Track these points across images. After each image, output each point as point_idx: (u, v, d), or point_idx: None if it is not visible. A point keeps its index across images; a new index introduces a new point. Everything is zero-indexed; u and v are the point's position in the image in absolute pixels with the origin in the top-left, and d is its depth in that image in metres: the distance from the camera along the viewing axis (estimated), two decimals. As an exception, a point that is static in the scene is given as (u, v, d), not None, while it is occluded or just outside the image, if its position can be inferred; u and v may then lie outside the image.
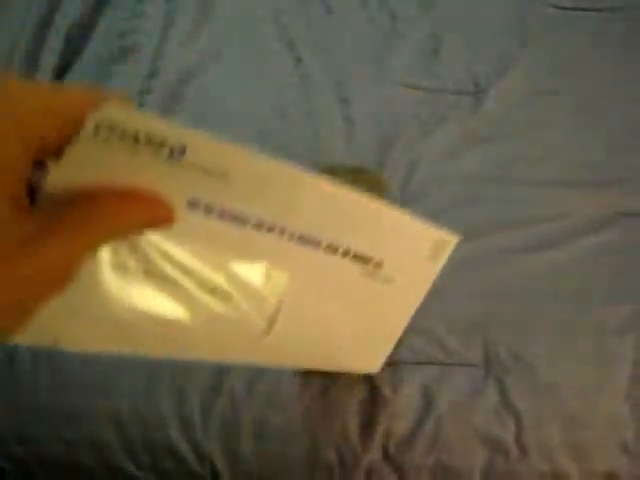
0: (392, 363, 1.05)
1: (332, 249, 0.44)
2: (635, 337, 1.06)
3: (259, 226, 0.39)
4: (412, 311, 0.53)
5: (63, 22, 1.41)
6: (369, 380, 1.04)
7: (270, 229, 0.40)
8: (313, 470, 1.01)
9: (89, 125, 0.30)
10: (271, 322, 0.44)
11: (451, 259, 1.14)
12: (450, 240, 0.49)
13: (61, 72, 1.39)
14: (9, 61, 1.33)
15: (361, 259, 0.46)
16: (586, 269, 1.13)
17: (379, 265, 0.47)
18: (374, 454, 1.00)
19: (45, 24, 1.39)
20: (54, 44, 1.39)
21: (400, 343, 1.05)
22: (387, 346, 0.55)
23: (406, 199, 1.19)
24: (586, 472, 0.98)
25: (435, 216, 1.16)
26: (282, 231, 0.41)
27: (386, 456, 1.00)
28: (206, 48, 1.42)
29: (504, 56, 1.46)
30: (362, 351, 0.54)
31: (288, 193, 0.39)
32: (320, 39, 1.47)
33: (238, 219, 0.39)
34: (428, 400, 1.03)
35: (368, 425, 1.01)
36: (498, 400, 1.02)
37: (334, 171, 0.81)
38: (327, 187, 0.40)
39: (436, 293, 1.09)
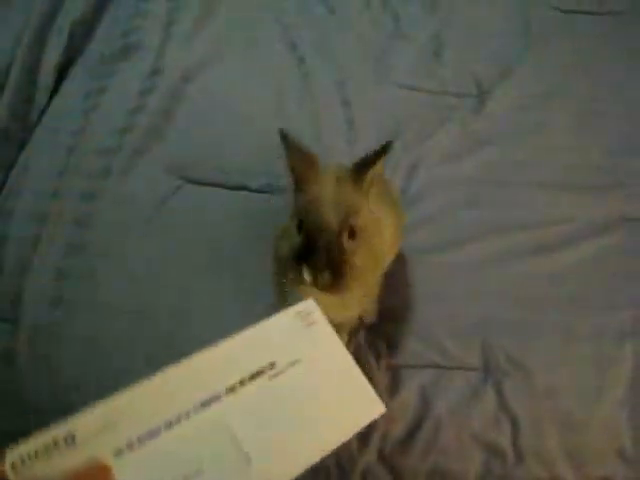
0: (391, 367, 1.05)
1: (231, 389, 0.59)
2: (634, 343, 1.05)
3: (169, 424, 0.55)
4: (349, 358, 0.64)
5: (66, 20, 1.41)
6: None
7: (177, 419, 0.56)
8: (310, 473, 1.00)
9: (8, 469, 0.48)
10: (247, 459, 0.56)
11: (451, 263, 1.14)
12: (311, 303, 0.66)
13: (64, 69, 1.38)
14: (11, 59, 1.32)
15: (257, 374, 0.60)
16: (586, 274, 1.12)
17: (273, 365, 0.61)
18: (370, 456, 0.99)
19: (48, 22, 1.38)
20: (57, 42, 1.38)
21: (399, 347, 1.06)
22: (365, 389, 0.64)
23: (407, 201, 1.18)
24: (583, 478, 0.97)
25: (435, 219, 1.16)
26: (187, 414, 0.56)
27: (382, 459, 1.00)
28: (208, 47, 1.42)
29: (507, 58, 1.45)
30: (351, 409, 0.62)
31: (162, 395, 0.57)
32: (322, 40, 1.46)
33: (153, 433, 0.54)
34: (426, 403, 1.02)
35: (367, 427, 1.00)
36: (496, 404, 1.01)
37: (340, 170, 0.80)
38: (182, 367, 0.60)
39: (435, 297, 1.11)
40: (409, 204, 1.19)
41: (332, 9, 1.53)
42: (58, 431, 0.52)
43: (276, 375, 0.61)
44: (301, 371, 0.61)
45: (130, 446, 0.54)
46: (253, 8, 1.51)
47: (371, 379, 1.02)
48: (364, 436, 1.00)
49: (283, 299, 0.81)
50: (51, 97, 1.35)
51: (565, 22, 1.52)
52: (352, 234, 0.75)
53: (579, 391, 1.02)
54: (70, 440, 0.53)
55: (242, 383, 0.59)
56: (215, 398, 0.58)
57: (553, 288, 1.11)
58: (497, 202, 1.22)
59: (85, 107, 1.33)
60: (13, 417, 1.03)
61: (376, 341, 1.07)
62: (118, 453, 0.53)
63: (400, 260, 1.11)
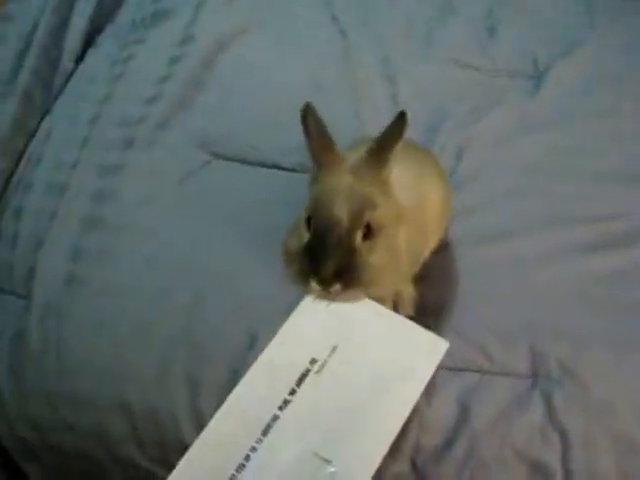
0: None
1: (284, 403, 0.60)
2: None
3: (242, 467, 0.57)
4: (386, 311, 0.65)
5: (95, -16, 1.32)
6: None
7: (247, 457, 0.58)
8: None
9: None
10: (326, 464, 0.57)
11: (501, 256, 1.01)
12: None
13: (92, 37, 1.29)
14: (37, 21, 1.24)
15: (302, 377, 0.61)
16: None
17: (313, 361, 0.62)
18: (401, 466, 0.89)
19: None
20: (85, 6, 1.29)
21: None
22: (418, 333, 0.67)
23: (453, 186, 1.06)
24: (641, 504, 0.85)
25: (483, 207, 1.04)
26: (253, 448, 0.59)
27: (414, 469, 0.89)
28: (245, 16, 1.31)
29: (569, 38, 1.31)
30: (413, 360, 0.64)
31: (219, 448, 0.60)
32: (366, 13, 1.34)
33: None
34: (464, 412, 0.90)
35: (397, 436, 0.90)
36: (544, 416, 0.89)
37: (360, 154, 0.70)
38: None
39: (479, 294, 0.99)
40: (454, 189, 1.06)
41: (378, -20, 1.41)
42: None
43: (321, 368, 0.60)
44: (344, 352, 0.60)
45: None
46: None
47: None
48: (395, 444, 0.89)
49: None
50: (77, 63, 1.26)
51: (631, 3, 1.37)
52: (369, 232, 0.65)
53: (637, 405, 0.89)
54: None
55: (292, 393, 0.59)
56: (274, 419, 0.57)
57: (614, 290, 0.97)
58: (553, 192, 1.09)
59: (111, 75, 1.24)
60: (21, 399, 0.96)
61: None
62: None
63: (442, 250, 0.99)
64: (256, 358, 0.62)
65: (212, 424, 0.61)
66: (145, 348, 0.94)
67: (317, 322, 0.63)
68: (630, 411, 0.89)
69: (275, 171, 1.13)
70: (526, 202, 1.08)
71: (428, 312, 0.98)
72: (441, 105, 1.20)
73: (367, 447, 0.57)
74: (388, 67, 1.25)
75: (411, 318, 0.96)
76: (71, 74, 1.25)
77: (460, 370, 0.93)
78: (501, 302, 0.98)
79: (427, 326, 0.96)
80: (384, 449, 0.57)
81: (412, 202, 0.77)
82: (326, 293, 0.64)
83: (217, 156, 1.14)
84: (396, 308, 0.97)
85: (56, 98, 1.22)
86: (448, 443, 0.89)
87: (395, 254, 0.69)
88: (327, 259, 0.62)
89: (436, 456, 0.88)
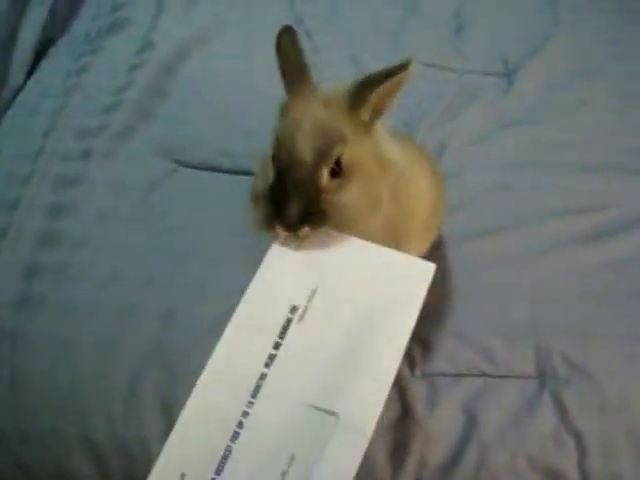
0: (427, 375, 0.85)
1: (270, 359, 0.53)
2: None
3: (236, 435, 0.51)
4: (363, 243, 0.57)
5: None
6: (400, 395, 0.83)
7: (239, 423, 0.51)
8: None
9: None
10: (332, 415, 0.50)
11: (492, 253, 0.94)
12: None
13: (43, 49, 1.20)
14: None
15: (284, 328, 0.54)
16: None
17: (294, 308, 0.55)
18: (406, 485, 0.79)
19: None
20: (37, 16, 1.20)
21: (436, 352, 0.86)
22: (403, 260, 0.57)
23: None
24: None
25: (469, 203, 0.96)
26: (245, 413, 0.52)
27: (420, 488, 0.79)
28: (206, 21, 1.24)
29: (535, 35, 1.28)
30: (401, 290, 0.55)
31: (210, 410, 0.53)
32: (331, 15, 1.29)
33: (226, 453, 0.52)
34: (471, 420, 0.81)
35: (398, 450, 0.80)
36: (556, 419, 0.81)
37: (338, 91, 0.61)
38: None
39: (475, 292, 0.90)
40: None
41: (343, -16, 1.36)
42: None
43: (303, 315, 0.54)
44: (325, 294, 0.55)
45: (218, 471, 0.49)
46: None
47: (403, 390, 0.85)
48: (398, 460, 0.79)
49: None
50: (28, 76, 1.16)
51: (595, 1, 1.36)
52: (339, 169, 0.58)
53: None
54: None
55: (277, 347, 0.53)
56: (262, 378, 0.52)
57: (614, 280, 0.91)
58: (537, 186, 1.04)
59: (66, 86, 1.14)
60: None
61: (409, 345, 0.87)
62: None
63: (433, 250, 0.91)
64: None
65: (195, 394, 0.53)
66: (111, 371, 0.82)
67: (290, 268, 0.56)
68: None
69: (246, 178, 1.04)
70: (513, 197, 1.02)
71: (423, 316, 0.90)
72: (415, 104, 1.14)
73: (368, 390, 0.51)
74: (357, 66, 1.19)
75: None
76: (21, 86, 1.15)
77: (462, 376, 0.85)
78: (499, 300, 0.91)
79: (422, 331, 0.89)
80: (386, 389, 0.51)
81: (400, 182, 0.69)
82: (294, 237, 0.57)
83: (183, 164, 1.05)
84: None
85: (4, 112, 1.11)
86: (455, 457, 0.80)
87: (373, 198, 0.61)
88: (290, 200, 0.56)
89: (443, 471, 0.79)
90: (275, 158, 0.59)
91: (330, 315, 0.54)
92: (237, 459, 0.50)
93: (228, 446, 0.51)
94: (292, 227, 0.56)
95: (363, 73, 1.17)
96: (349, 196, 0.58)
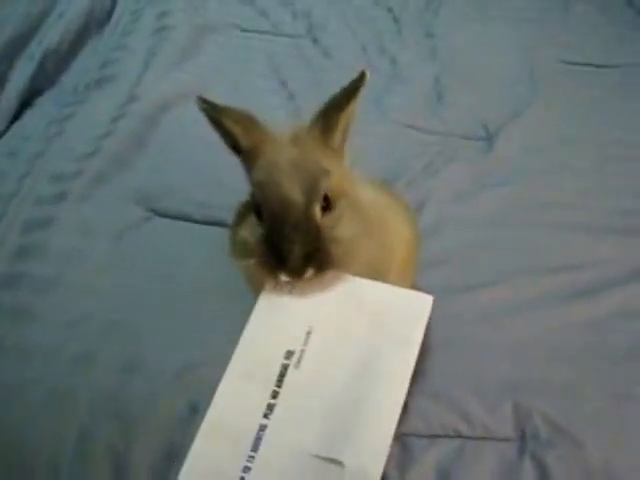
0: (399, 435, 0.78)
1: (269, 409, 0.50)
2: None
3: None
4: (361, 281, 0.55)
5: (39, 47, 1.25)
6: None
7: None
8: None
9: None
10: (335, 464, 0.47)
11: (471, 310, 0.89)
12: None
13: (30, 96, 1.20)
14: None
15: (282, 375, 0.51)
16: (631, 322, 0.89)
17: (289, 353, 0.53)
18: None
19: (19, 45, 1.21)
20: (26, 67, 1.21)
21: (409, 410, 0.80)
22: (400, 295, 0.55)
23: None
24: None
25: (449, 260, 0.93)
26: (247, 468, 0.48)
27: None
28: (191, 79, 1.25)
29: (514, 104, 1.30)
30: (399, 326, 0.53)
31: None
32: (315, 79, 1.31)
33: None
34: (446, 484, 0.75)
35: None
36: (538, 484, 0.75)
37: (300, 128, 0.60)
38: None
39: (452, 349, 0.86)
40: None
41: (326, 52, 1.39)
42: None
43: (299, 360, 0.51)
44: (321, 336, 0.52)
45: None
46: (242, 47, 1.37)
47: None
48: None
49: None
50: (11, 123, 1.16)
51: (572, 73, 1.40)
52: (328, 204, 0.56)
53: (642, 467, 0.76)
54: None
55: (275, 396, 0.50)
56: (261, 429, 0.49)
57: (597, 339, 0.87)
58: (518, 244, 1.01)
59: (48, 133, 1.13)
60: None
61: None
62: None
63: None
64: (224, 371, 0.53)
65: (194, 451, 0.49)
66: (60, 422, 0.76)
67: (282, 312, 0.54)
68: (634, 475, 0.75)
69: (220, 229, 1.01)
70: (493, 254, 1.00)
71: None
72: (396, 162, 1.13)
73: (372, 436, 0.47)
74: (340, 127, 1.19)
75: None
76: (3, 132, 1.14)
77: (437, 437, 0.79)
78: (476, 358, 0.86)
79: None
80: (390, 433, 0.48)
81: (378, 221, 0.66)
82: (296, 282, 0.54)
83: (157, 213, 1.03)
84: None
85: (-18, 155, 1.10)
86: (430, 525, 0.72)
87: (363, 219, 0.58)
88: (292, 246, 0.53)
89: (416, 543, 0.72)
90: (263, 208, 0.56)
91: (328, 357, 0.52)
92: None
93: None
94: (297, 272, 0.53)
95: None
96: (345, 229, 0.56)
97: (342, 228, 0.56)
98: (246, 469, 0.48)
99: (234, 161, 1.01)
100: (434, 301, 0.91)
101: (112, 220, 0.99)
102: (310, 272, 0.53)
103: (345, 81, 1.31)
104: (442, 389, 0.82)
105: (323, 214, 0.55)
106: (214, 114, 0.61)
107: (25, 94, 1.19)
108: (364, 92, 0.58)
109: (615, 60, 1.42)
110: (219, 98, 1.23)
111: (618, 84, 1.37)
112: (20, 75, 1.19)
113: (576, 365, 0.84)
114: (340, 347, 0.52)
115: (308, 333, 0.53)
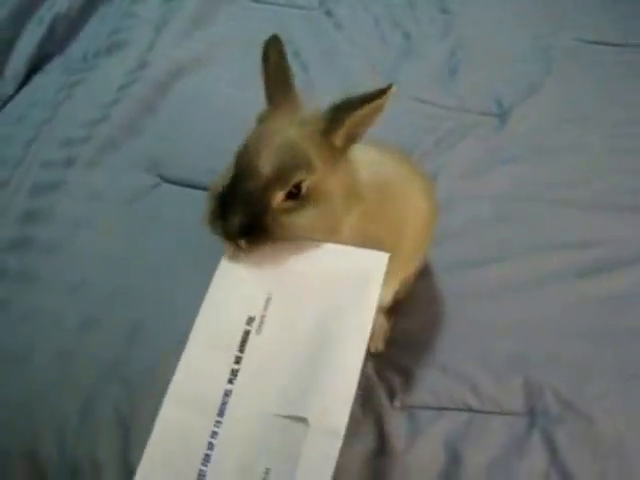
0: (408, 407, 0.77)
1: (233, 374, 0.51)
2: None
3: (207, 458, 0.48)
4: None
5: (49, 12, 1.22)
6: (377, 427, 0.75)
7: (210, 445, 0.49)
8: None
9: None
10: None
11: (482, 284, 0.87)
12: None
13: (39, 62, 1.17)
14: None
15: (244, 340, 0.51)
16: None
17: (251, 319, 0.53)
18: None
19: (28, 9, 1.18)
20: (35, 32, 1.18)
21: (418, 383, 0.79)
22: (354, 255, 0.54)
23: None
24: None
25: (461, 234, 0.90)
26: (214, 433, 0.49)
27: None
28: (204, 47, 1.22)
29: (528, 81, 1.27)
30: (355, 286, 0.52)
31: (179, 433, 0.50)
32: (328, 51, 1.28)
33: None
34: (454, 457, 0.73)
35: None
36: (547, 460, 0.73)
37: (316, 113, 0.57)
38: None
39: (463, 323, 0.84)
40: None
41: (339, 25, 1.36)
42: None
43: (260, 325, 0.52)
44: (280, 300, 0.52)
45: None
46: (254, 18, 1.34)
47: (381, 422, 0.77)
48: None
49: None
50: (20, 88, 1.13)
51: (587, 52, 1.36)
52: (295, 192, 0.54)
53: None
54: None
55: (238, 361, 0.51)
56: (227, 395, 0.50)
57: (610, 316, 0.85)
58: (530, 220, 0.99)
59: (56, 99, 1.11)
60: None
61: (388, 374, 0.80)
62: None
63: (420, 278, 0.86)
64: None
65: (160, 419, 0.50)
66: (66, 386, 0.75)
67: (241, 280, 0.54)
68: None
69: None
70: (506, 230, 0.97)
71: (405, 345, 0.84)
72: (407, 136, 1.10)
73: (334, 391, 0.48)
74: (349, 98, 1.17)
75: (382, 353, 0.82)
76: (11, 97, 1.12)
77: (446, 409, 0.77)
78: (487, 332, 0.84)
79: (403, 360, 0.82)
80: (353, 388, 0.48)
81: (393, 194, 0.65)
82: (235, 247, 0.53)
83: (166, 180, 1.00)
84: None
85: (-12, 120, 1.08)
86: (436, 496, 0.71)
87: (328, 228, 0.56)
88: (233, 213, 0.52)
89: (422, 513, 0.70)
90: (235, 164, 0.55)
91: (288, 321, 0.52)
92: None
93: (201, 470, 0.48)
94: (231, 237, 0.53)
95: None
96: (299, 220, 0.54)
97: (297, 218, 0.54)
98: (214, 434, 0.49)
99: (243, 130, 0.99)
100: (444, 275, 0.91)
101: (120, 186, 0.97)
102: (242, 242, 0.52)
103: (358, 54, 1.29)
104: (451, 362, 0.81)
105: (286, 200, 0.54)
106: (268, 56, 0.60)
107: (34, 60, 1.17)
108: (385, 105, 0.55)
109: (630, 39, 1.38)
110: (230, 68, 1.23)
111: (633, 63, 1.34)
112: (29, 40, 1.17)
113: (588, 342, 0.82)
114: (299, 311, 0.52)
115: (268, 299, 0.53)
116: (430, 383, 0.79)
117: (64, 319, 0.80)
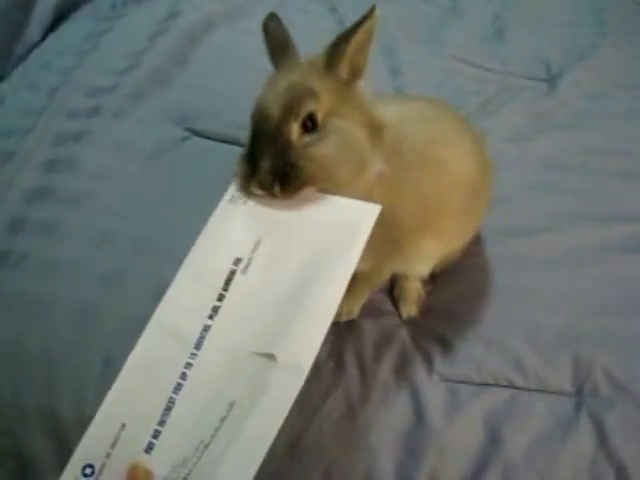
0: (446, 380, 0.71)
1: (214, 311, 0.52)
2: None
3: (178, 387, 0.50)
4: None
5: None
6: (413, 398, 0.69)
7: (183, 375, 0.50)
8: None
9: None
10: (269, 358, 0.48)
11: (531, 255, 0.80)
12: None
13: (66, 10, 1.11)
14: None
15: (228, 280, 0.52)
16: None
17: (237, 260, 0.53)
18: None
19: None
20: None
21: (458, 354, 0.72)
22: (347, 206, 0.54)
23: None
24: None
25: (505, 202, 0.83)
26: (188, 364, 0.50)
27: (430, 511, 0.65)
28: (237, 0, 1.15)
29: (580, 45, 1.19)
30: (344, 234, 0.52)
31: (149, 368, 0.51)
32: (366, 6, 1.20)
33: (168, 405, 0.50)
34: (494, 436, 0.67)
35: (407, 462, 0.66)
36: (594, 444, 0.67)
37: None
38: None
39: (510, 295, 0.76)
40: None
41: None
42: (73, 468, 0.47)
43: (246, 267, 0.53)
44: (269, 245, 0.53)
45: (155, 436, 0.48)
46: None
47: (417, 393, 0.71)
48: (405, 474, 0.65)
49: None
50: (46, 35, 1.08)
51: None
52: (310, 125, 0.54)
53: None
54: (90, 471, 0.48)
55: (220, 298, 0.52)
56: (205, 330, 0.51)
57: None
58: (578, 189, 0.92)
59: (83, 47, 1.05)
60: None
61: (426, 343, 0.74)
62: (148, 449, 0.48)
63: (472, 243, 0.79)
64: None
65: (139, 346, 0.51)
66: (87, 340, 0.70)
67: (236, 222, 0.55)
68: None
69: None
70: (550, 199, 0.91)
71: (446, 314, 0.78)
72: (450, 97, 1.03)
73: (305, 329, 0.48)
74: (392, 59, 1.10)
75: (417, 320, 0.76)
76: (37, 43, 1.06)
77: (487, 385, 0.71)
78: (532, 306, 0.78)
79: (443, 329, 0.76)
80: (324, 328, 0.48)
81: (421, 162, 0.64)
82: (270, 197, 0.53)
83: (195, 133, 0.95)
84: (396, 303, 0.78)
85: (16, 66, 1.02)
86: (474, 475, 0.65)
87: (354, 153, 0.57)
88: (260, 161, 0.53)
89: (459, 493, 0.65)
90: (252, 120, 0.57)
91: (273, 264, 0.53)
92: (179, 410, 0.49)
93: (171, 397, 0.49)
94: (265, 185, 0.53)
95: (396, 65, 1.10)
96: (323, 149, 0.55)
97: (319, 148, 0.54)
98: (188, 365, 0.50)
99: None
100: (488, 243, 0.85)
101: (148, 138, 0.91)
102: (277, 187, 0.52)
103: (398, 11, 1.21)
104: (495, 336, 0.75)
105: (304, 133, 0.54)
106: (268, 29, 0.64)
107: (61, 7, 1.11)
108: (375, 28, 0.56)
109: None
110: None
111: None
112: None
113: (641, 318, 0.76)
114: (285, 255, 0.53)
115: (257, 242, 0.54)
116: (471, 356, 0.73)
117: (86, 272, 0.75)
